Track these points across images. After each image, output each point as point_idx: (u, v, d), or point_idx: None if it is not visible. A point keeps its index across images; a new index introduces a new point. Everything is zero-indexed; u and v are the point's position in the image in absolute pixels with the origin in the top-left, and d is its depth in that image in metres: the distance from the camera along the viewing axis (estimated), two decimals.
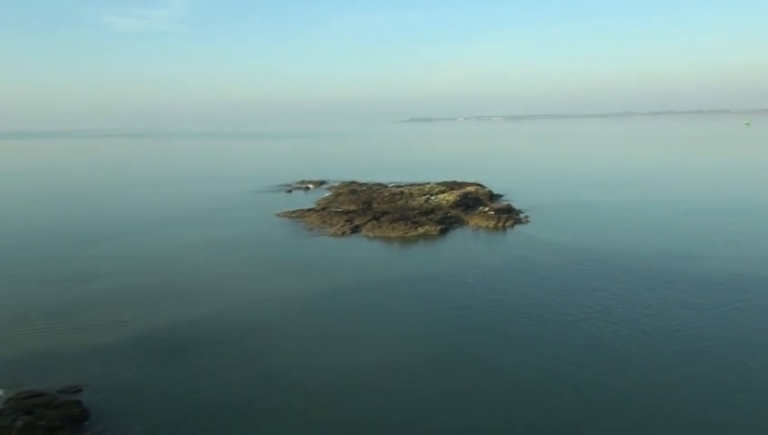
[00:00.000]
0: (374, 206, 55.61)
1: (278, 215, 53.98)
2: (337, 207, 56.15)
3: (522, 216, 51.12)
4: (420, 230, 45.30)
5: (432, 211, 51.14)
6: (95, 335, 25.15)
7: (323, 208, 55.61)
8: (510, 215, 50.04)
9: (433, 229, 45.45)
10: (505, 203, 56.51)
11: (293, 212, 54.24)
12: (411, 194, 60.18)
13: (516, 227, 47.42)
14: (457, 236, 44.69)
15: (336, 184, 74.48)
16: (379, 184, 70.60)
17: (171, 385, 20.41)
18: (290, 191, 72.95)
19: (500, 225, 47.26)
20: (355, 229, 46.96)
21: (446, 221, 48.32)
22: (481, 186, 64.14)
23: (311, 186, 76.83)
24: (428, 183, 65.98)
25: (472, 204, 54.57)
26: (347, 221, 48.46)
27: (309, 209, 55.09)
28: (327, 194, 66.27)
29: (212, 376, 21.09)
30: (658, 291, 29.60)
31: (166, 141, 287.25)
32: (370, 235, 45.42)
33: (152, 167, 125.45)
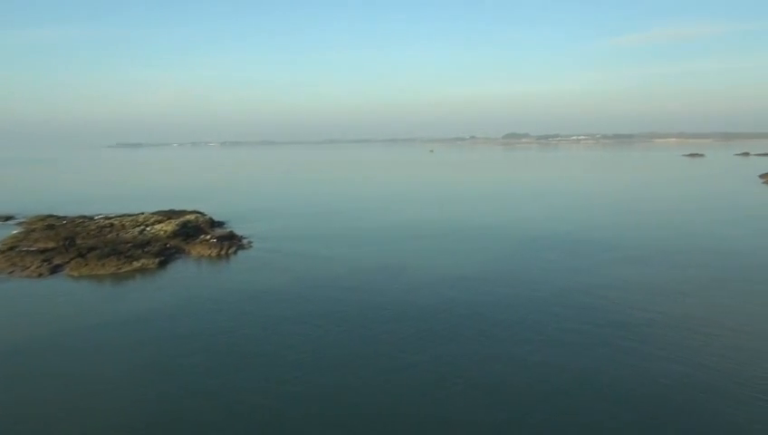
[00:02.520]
0: (78, 241, 49.40)
1: None
2: (30, 246, 48.35)
3: (245, 241, 51.32)
4: (136, 264, 41.94)
5: (149, 243, 47.77)
6: None
7: (11, 249, 47.28)
8: (233, 241, 49.78)
9: (151, 262, 42.52)
10: (228, 230, 55.99)
11: None
12: (123, 226, 55.26)
13: (240, 252, 47.40)
14: (179, 268, 42.62)
15: (28, 219, 64.08)
16: (84, 217, 62.98)
17: None
18: None
19: (223, 252, 46.65)
20: (55, 269, 41.13)
21: (166, 253, 45.71)
22: (201, 213, 62.35)
23: None
24: (143, 213, 61.46)
25: (193, 233, 52.65)
26: (44, 261, 42.16)
27: None
28: (16, 231, 56.46)
29: None
30: (358, 310, 32.78)
31: None
32: (75, 274, 40.29)
33: None
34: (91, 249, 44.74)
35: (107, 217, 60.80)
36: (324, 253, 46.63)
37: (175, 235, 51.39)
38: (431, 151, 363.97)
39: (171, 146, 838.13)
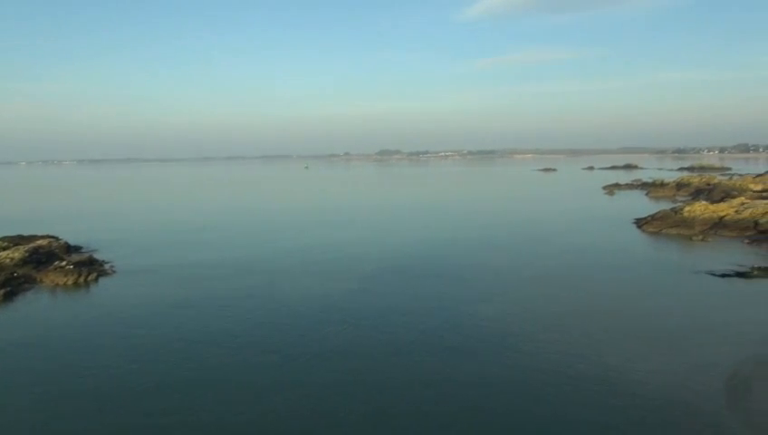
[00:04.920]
0: None
1: None
2: None
3: (107, 266, 47.92)
4: None
5: None
6: None
7: None
8: (93, 267, 46.28)
9: None
10: (86, 254, 51.93)
11: None
12: None
13: (101, 279, 44.14)
14: (28, 300, 38.73)
15: None
16: None
17: None
18: None
19: (81, 279, 43.17)
20: None
21: (12, 283, 41.37)
22: (55, 238, 57.14)
23: None
24: None
25: (45, 259, 48.17)
26: None
27: None
28: None
29: None
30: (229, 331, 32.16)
31: None
32: None
33: None
34: None
35: None
36: (190, 276, 44.86)
37: (24, 262, 46.66)
38: (306, 168, 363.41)
39: (19, 164, 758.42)
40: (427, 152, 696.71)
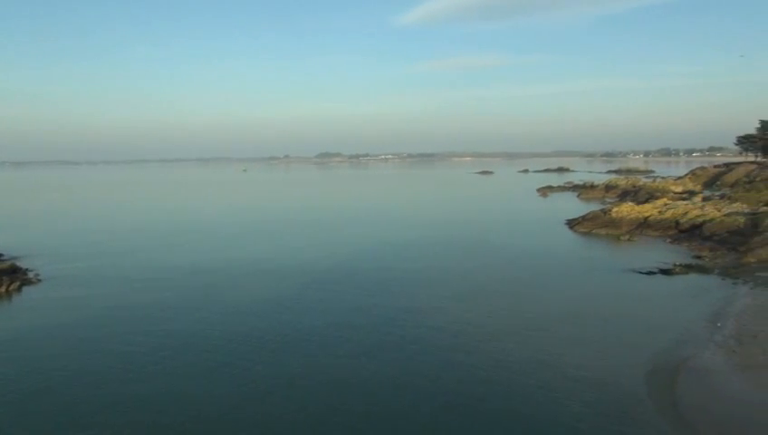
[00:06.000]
0: None
1: None
2: None
3: (31, 275, 45.40)
4: None
5: None
6: None
7: None
8: (15, 275, 43.71)
9: None
10: (8, 262, 49.01)
11: None
12: None
13: (24, 288, 41.78)
14: None
15: None
16: None
17: None
18: None
19: (3, 289, 40.73)
20: None
21: None
22: None
23: None
24: None
25: None
26: None
27: None
28: None
29: None
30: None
31: None
32: None
33: None
34: None
35: None
36: (119, 283, 43.27)
37: None
38: (244, 171, 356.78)
39: None
40: (367, 155, 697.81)
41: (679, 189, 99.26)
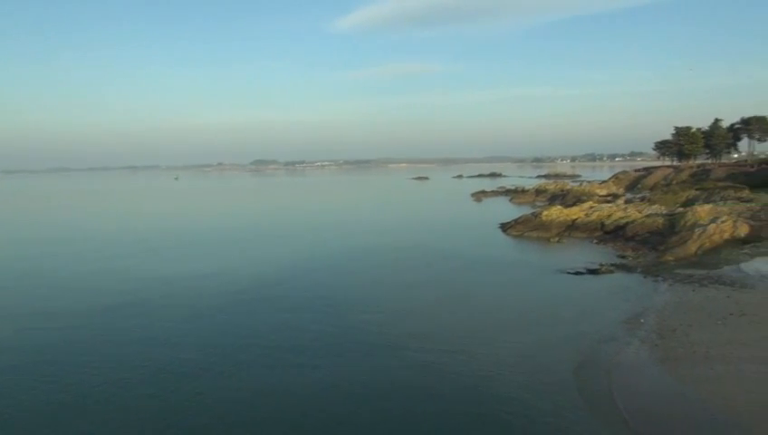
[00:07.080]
0: None
1: None
2: None
3: None
4: None
5: None
6: None
7: None
8: None
9: None
10: None
11: None
12: None
13: None
14: None
15: None
16: None
17: None
18: None
19: None
20: None
21: None
22: None
23: None
24: None
25: None
26: None
27: None
28: None
29: None
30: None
31: None
32: None
33: None
34: None
35: None
36: (30, 299, 40.93)
37: None
38: (176, 179, 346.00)
39: None
40: (303, 162, 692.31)
41: (604, 193, 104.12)
